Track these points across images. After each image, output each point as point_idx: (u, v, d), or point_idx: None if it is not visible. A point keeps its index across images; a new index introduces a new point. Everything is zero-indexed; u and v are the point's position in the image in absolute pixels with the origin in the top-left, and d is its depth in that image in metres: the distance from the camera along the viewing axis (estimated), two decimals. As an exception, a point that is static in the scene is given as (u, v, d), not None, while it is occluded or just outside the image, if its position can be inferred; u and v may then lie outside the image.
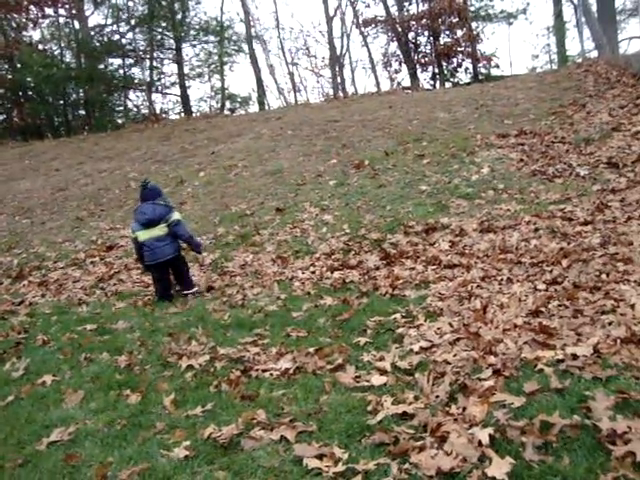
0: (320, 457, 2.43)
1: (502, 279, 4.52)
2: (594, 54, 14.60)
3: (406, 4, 21.78)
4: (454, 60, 20.89)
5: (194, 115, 22.25)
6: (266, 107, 22.69)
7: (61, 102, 22.17)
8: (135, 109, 25.09)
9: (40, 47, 22.45)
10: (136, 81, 24.26)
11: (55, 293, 6.30)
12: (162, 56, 25.01)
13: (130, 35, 23.72)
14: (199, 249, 5.96)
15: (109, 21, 23.66)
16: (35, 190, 11.35)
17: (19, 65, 20.92)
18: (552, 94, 10.55)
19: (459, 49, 20.62)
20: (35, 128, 20.80)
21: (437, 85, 20.71)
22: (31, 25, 19.84)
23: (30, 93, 21.66)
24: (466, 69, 21.12)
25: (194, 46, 25.46)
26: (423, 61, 21.35)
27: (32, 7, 18.47)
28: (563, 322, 3.46)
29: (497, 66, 21.49)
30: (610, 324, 3.30)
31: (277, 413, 2.91)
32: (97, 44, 22.19)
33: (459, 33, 20.75)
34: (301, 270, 5.80)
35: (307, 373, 3.39)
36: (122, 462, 2.65)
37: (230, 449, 2.63)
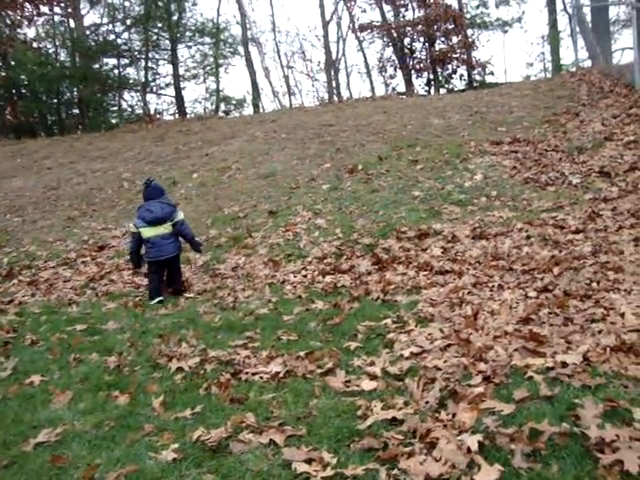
0: (309, 461, 2.43)
1: (493, 286, 4.53)
2: (588, 63, 14.68)
3: (402, 10, 21.91)
4: (449, 66, 21.05)
5: (188, 116, 22.21)
6: (261, 110, 22.64)
7: (55, 101, 22.01)
8: (129, 109, 25.03)
9: (35, 45, 22.26)
10: (131, 81, 24.16)
11: (45, 293, 6.26)
12: (157, 57, 24.94)
13: (125, 35, 23.70)
14: (200, 248, 6.15)
15: (105, 20, 23.57)
16: (27, 189, 11.27)
17: (13, 63, 20.75)
18: (546, 102, 10.61)
19: (454, 56, 20.74)
20: (28, 126, 20.64)
21: (432, 91, 20.82)
22: (26, 23, 19.67)
23: (24, 91, 21.48)
24: (461, 76, 21.30)
25: (190, 47, 25.50)
26: (418, 67, 21.45)
27: (27, 5, 18.32)
28: (553, 330, 3.48)
29: (492, 73, 21.74)
30: (600, 332, 3.31)
31: (266, 417, 2.91)
32: (92, 43, 22.07)
33: (454, 40, 20.91)
34: (293, 274, 5.80)
35: (297, 377, 3.38)
36: (110, 464, 2.64)
37: (219, 452, 2.62)
